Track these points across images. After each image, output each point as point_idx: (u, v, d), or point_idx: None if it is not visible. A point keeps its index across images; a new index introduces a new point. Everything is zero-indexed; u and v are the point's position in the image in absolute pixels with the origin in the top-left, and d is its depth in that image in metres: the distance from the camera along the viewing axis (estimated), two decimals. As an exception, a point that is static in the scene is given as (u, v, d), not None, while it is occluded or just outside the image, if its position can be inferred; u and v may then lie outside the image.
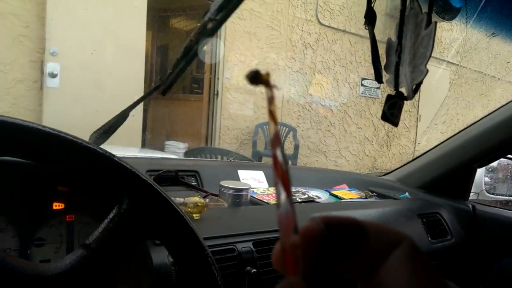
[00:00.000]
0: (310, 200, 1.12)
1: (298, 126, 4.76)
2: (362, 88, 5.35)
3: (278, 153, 0.22)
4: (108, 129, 0.82)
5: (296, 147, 4.43)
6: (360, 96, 5.36)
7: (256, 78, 0.22)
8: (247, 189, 0.99)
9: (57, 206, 0.61)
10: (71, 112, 3.07)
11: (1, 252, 0.39)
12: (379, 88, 5.48)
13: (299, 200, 1.10)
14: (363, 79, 5.31)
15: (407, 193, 1.28)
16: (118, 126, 0.83)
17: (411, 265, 0.24)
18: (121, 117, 0.83)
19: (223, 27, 4.16)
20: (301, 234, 0.22)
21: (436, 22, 0.43)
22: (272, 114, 0.22)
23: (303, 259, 0.22)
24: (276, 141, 0.22)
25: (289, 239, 0.21)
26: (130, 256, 0.46)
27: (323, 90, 5.02)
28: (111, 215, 0.45)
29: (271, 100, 0.22)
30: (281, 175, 0.22)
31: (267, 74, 0.22)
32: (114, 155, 0.47)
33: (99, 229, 0.44)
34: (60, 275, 0.41)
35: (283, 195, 0.22)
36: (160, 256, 0.61)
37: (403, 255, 0.24)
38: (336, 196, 1.22)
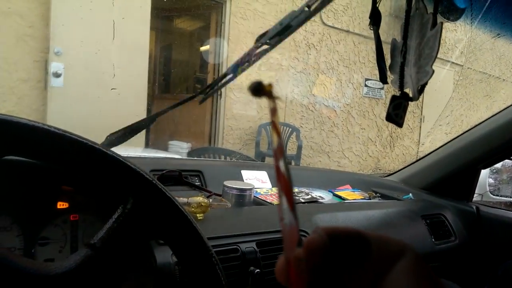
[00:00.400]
0: (314, 201, 1.12)
1: (301, 126, 4.76)
2: (365, 89, 5.33)
3: (281, 164, 0.22)
4: (129, 132, 0.81)
5: (299, 148, 4.43)
6: (364, 97, 5.34)
7: (258, 89, 0.22)
8: (250, 189, 0.99)
9: (61, 205, 0.61)
10: (75, 112, 3.08)
11: (5, 251, 0.39)
12: (382, 88, 5.47)
13: (303, 201, 1.10)
14: (366, 79, 5.30)
15: (410, 194, 1.28)
16: (139, 131, 0.83)
17: (415, 277, 0.24)
18: (148, 121, 0.83)
19: (226, 27, 4.18)
20: (305, 247, 0.22)
21: (442, 23, 0.43)
22: (274, 125, 0.22)
23: (307, 272, 0.21)
24: (280, 152, 0.22)
25: (293, 252, 0.21)
26: (134, 255, 0.46)
27: (327, 91, 5.01)
28: (115, 215, 0.45)
29: (273, 111, 0.22)
30: (284, 187, 0.22)
31: (270, 85, 0.22)
32: (119, 155, 0.47)
33: (103, 229, 0.44)
34: (65, 274, 0.41)
35: (286, 208, 0.21)
36: (164, 255, 0.61)
37: (407, 267, 0.24)
38: (339, 197, 1.21)
